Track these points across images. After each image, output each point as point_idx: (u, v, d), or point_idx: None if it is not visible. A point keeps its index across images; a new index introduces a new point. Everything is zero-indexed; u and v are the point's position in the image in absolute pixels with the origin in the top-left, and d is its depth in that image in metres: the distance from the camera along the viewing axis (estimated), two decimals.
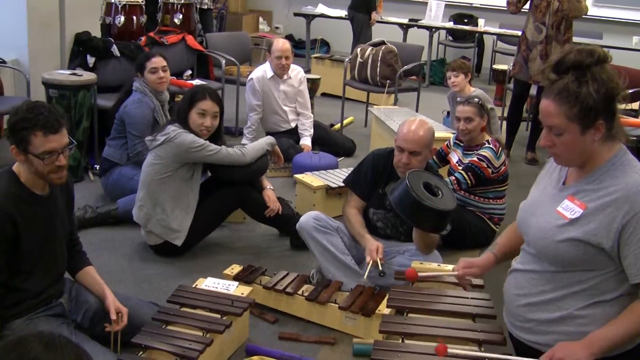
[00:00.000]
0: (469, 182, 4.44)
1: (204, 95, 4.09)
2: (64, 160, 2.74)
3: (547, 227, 2.27)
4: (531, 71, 6.32)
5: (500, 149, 4.54)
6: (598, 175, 2.21)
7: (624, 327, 2.13)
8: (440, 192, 3.36)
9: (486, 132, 4.69)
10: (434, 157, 4.86)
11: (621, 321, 2.15)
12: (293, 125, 6.24)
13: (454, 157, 4.76)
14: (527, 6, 6.38)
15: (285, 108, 6.17)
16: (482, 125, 4.59)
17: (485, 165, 4.43)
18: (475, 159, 4.48)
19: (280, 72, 6.04)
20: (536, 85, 6.47)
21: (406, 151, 3.63)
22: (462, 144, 4.74)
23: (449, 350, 2.40)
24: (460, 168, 4.54)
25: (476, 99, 4.66)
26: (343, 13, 10.00)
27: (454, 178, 4.47)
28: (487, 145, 4.54)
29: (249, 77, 6.12)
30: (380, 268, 3.48)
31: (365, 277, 3.48)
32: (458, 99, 5.35)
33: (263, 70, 6.09)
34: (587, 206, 2.18)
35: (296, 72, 6.21)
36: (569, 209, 2.23)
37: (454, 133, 5.02)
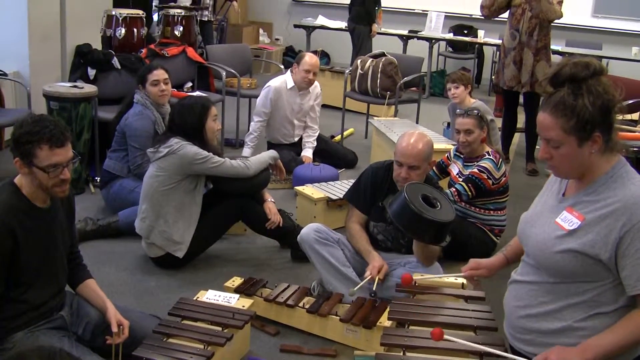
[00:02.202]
0: (469, 193, 4.45)
1: (210, 102, 4.22)
2: (68, 174, 2.75)
3: (545, 238, 2.28)
4: (506, 76, 6.42)
5: (500, 160, 4.55)
6: (596, 187, 2.21)
7: (620, 335, 2.13)
8: (438, 204, 3.36)
9: (486, 143, 4.69)
10: (435, 168, 4.87)
11: (617, 330, 2.15)
12: (296, 139, 6.26)
13: (455, 169, 4.76)
14: (507, 14, 6.45)
15: (296, 122, 6.19)
16: (482, 136, 4.60)
17: (486, 177, 4.44)
18: (475, 170, 4.49)
19: (304, 86, 6.06)
20: (524, 96, 6.54)
21: (405, 166, 3.62)
22: (462, 156, 4.75)
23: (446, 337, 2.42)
24: (461, 179, 4.54)
25: (475, 111, 4.67)
26: (343, 25, 10.02)
27: (454, 189, 4.47)
28: (487, 156, 4.55)
29: (267, 84, 6.13)
30: (375, 287, 3.49)
31: (355, 289, 3.49)
32: (458, 110, 5.36)
33: (283, 81, 6.10)
34: (585, 218, 2.19)
35: (314, 86, 6.23)
36: (567, 220, 2.23)
37: (454, 145, 5.02)
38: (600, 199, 2.19)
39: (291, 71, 6.14)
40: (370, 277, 3.56)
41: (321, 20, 10.72)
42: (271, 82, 6.13)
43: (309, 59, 6.01)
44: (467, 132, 4.57)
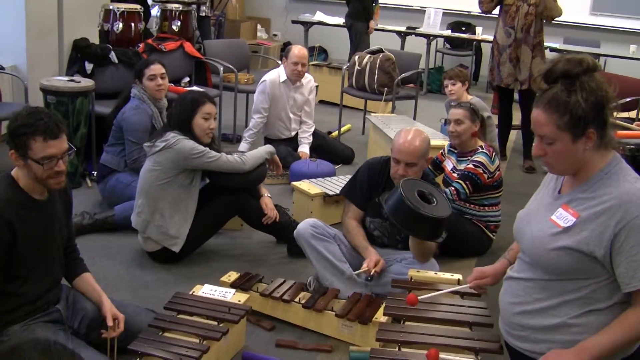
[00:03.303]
0: (467, 191, 4.42)
1: (205, 99, 4.13)
2: (63, 166, 2.75)
3: (540, 235, 2.27)
4: (502, 74, 6.43)
5: (494, 153, 4.54)
6: (592, 184, 2.21)
7: (615, 335, 2.13)
8: (434, 200, 3.36)
9: (479, 138, 4.68)
10: (430, 165, 4.86)
11: (613, 329, 2.15)
12: (293, 134, 6.26)
13: (449, 165, 4.74)
14: (496, 11, 6.46)
15: (291, 116, 6.19)
16: (473, 129, 4.58)
17: (481, 171, 4.42)
18: (470, 165, 4.47)
19: (294, 78, 6.06)
20: (519, 93, 6.56)
21: (402, 163, 3.62)
22: (455, 151, 4.74)
23: (442, 356, 2.41)
24: (457, 176, 4.52)
25: (469, 104, 4.67)
26: (341, 21, 10.01)
27: (453, 189, 4.44)
28: (480, 150, 4.54)
29: (262, 78, 6.14)
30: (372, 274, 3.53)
31: (354, 274, 3.56)
32: (452, 103, 5.36)
33: (277, 74, 6.11)
34: (580, 215, 2.19)
35: (307, 80, 6.24)
36: (563, 217, 2.23)
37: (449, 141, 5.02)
38: (595, 195, 2.19)
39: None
40: (367, 269, 3.58)
41: (319, 16, 10.70)
42: (266, 76, 6.13)
43: (297, 51, 6.01)
44: (457, 122, 4.56)
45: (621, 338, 2.13)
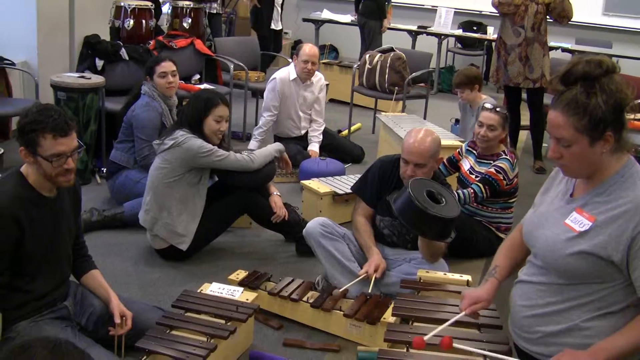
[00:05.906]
0: (485, 194, 4.38)
1: (219, 101, 4.11)
2: (73, 164, 2.74)
3: (555, 239, 2.25)
4: (510, 74, 6.39)
5: (515, 160, 4.48)
6: (607, 187, 2.19)
7: (631, 337, 2.12)
8: (443, 200, 3.34)
9: (504, 144, 4.63)
10: (445, 162, 4.81)
11: (628, 332, 2.13)
12: (303, 132, 6.26)
13: (466, 164, 4.68)
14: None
15: (301, 114, 6.19)
16: (502, 136, 4.53)
17: (502, 177, 4.37)
18: (492, 170, 4.41)
19: (304, 77, 6.06)
20: (527, 92, 6.55)
21: (411, 163, 3.60)
22: (475, 151, 4.68)
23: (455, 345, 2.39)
24: (477, 179, 4.46)
25: (505, 111, 4.56)
26: (352, 19, 9.98)
27: (472, 190, 4.39)
28: (504, 156, 4.47)
29: (272, 76, 6.15)
30: (371, 287, 3.51)
31: (347, 286, 3.53)
32: (486, 104, 5.15)
33: (287, 72, 6.12)
34: (596, 218, 2.16)
35: (318, 78, 6.24)
36: (578, 221, 2.21)
37: (462, 141, 4.97)
38: (612, 199, 2.17)
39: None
40: (365, 275, 3.56)
41: (326, 14, 10.68)
42: (276, 74, 6.13)
43: (308, 49, 6.01)
44: (490, 127, 4.46)
45: (636, 340, 2.11)
